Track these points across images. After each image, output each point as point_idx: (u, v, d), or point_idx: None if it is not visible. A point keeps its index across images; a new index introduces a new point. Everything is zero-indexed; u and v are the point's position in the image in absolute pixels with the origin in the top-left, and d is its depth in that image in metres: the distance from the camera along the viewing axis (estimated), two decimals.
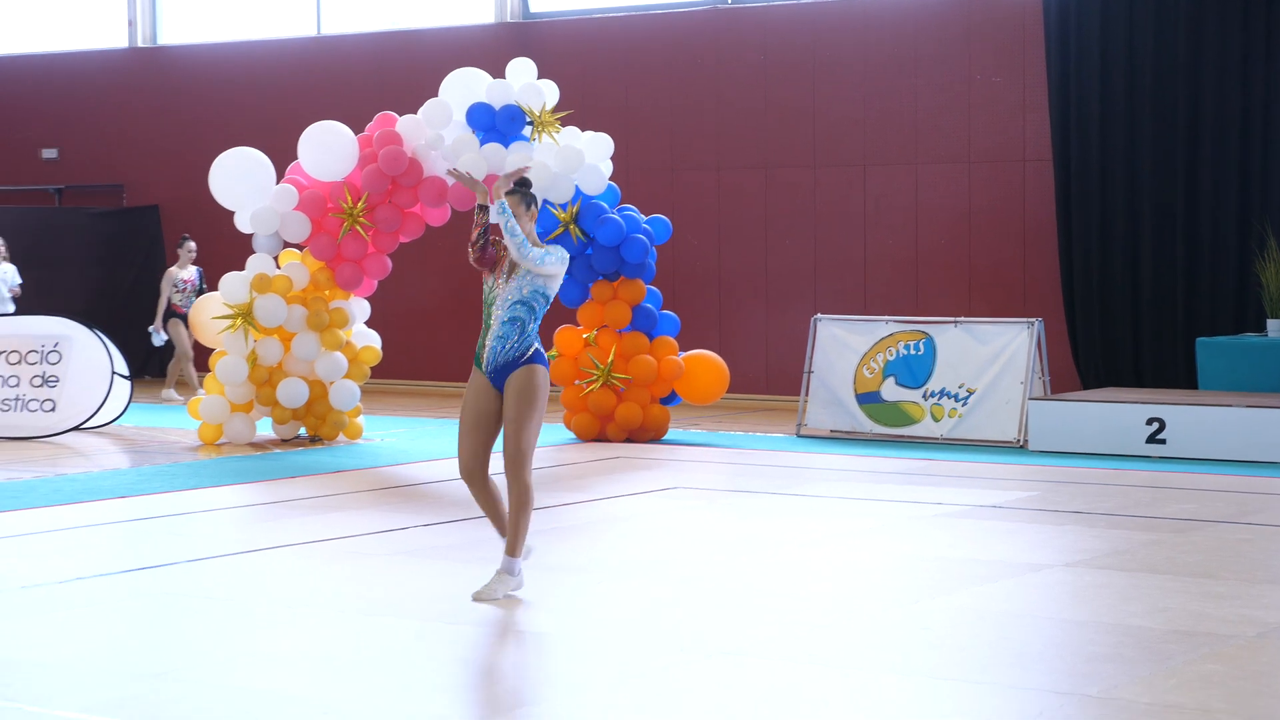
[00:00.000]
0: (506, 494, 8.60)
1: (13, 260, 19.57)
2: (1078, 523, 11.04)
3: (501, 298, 8.54)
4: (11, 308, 19.61)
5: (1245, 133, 16.58)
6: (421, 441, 15.60)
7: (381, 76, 20.75)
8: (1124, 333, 17.15)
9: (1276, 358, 15.19)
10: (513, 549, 8.54)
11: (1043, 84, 17.62)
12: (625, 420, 15.51)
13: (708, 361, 15.96)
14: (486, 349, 8.54)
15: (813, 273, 18.96)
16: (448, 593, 8.82)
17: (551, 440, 15.46)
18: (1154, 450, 14.21)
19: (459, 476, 8.70)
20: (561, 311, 16.70)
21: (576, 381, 15.60)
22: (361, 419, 15.78)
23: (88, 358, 16.18)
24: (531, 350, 8.53)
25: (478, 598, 8.45)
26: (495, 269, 8.60)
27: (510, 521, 8.57)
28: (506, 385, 8.53)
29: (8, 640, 7.78)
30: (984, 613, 8.30)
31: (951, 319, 15.86)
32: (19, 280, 19.69)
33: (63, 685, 6.95)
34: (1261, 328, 15.96)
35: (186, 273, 19.10)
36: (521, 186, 8.70)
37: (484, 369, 8.57)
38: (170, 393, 19.28)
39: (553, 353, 15.82)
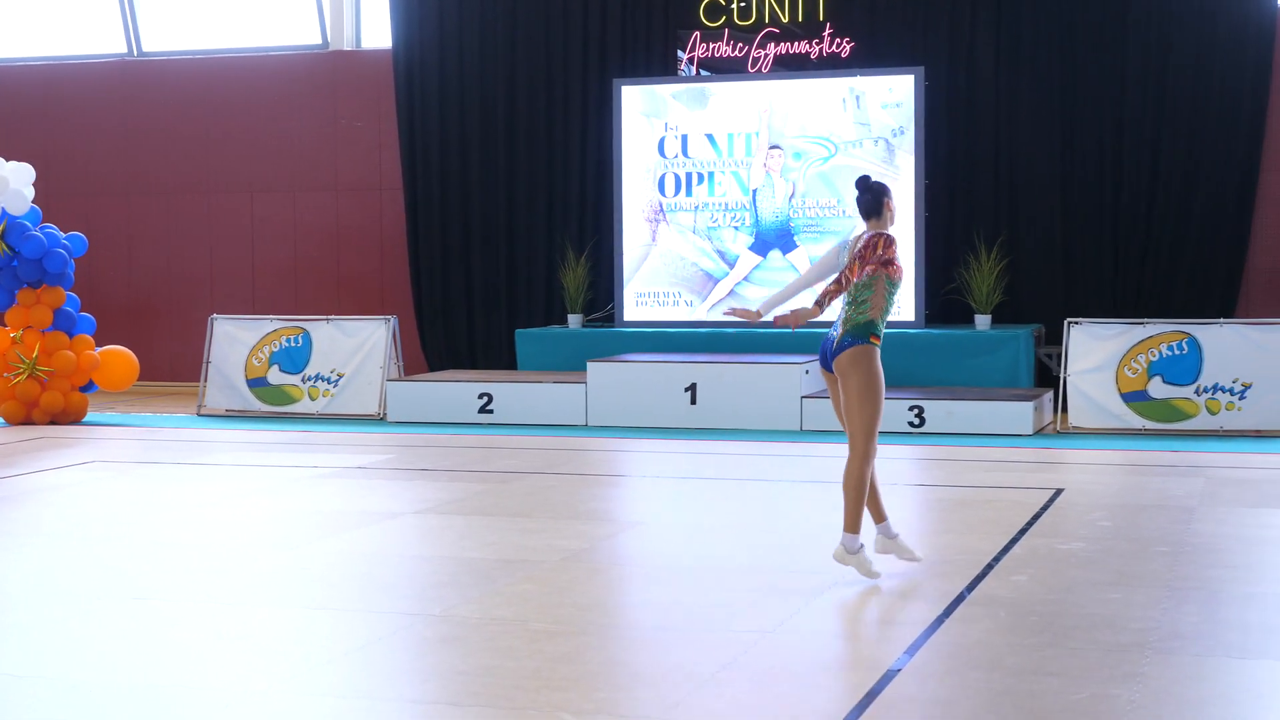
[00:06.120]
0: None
1: None
2: (425, 478, 11.17)
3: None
4: None
5: (550, 163, 17.06)
6: None
7: None
8: (460, 326, 17.42)
9: (574, 344, 15.72)
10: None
11: (394, 126, 17.71)
12: (49, 406, 14.76)
13: (120, 355, 15.42)
14: None
15: (210, 280, 18.52)
16: None
17: None
18: (484, 419, 14.50)
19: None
20: None
21: (5, 374, 14.77)
22: None
23: None
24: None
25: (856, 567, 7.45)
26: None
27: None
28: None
29: None
30: (351, 554, 8.29)
31: (324, 317, 15.78)
32: None
33: None
34: (564, 321, 16.48)
35: None
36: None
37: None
38: None
39: None
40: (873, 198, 7.44)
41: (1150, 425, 13.37)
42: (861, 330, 7.25)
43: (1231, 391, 13.27)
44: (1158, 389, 13.42)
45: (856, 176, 7.78)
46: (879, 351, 7.31)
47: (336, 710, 5.50)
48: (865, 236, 7.37)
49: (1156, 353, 13.45)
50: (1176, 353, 13.42)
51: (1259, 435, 13.12)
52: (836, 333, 7.34)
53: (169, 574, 7.78)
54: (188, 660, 6.14)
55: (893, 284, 7.29)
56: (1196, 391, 13.34)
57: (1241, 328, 13.46)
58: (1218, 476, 10.86)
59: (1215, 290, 15.28)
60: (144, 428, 14.71)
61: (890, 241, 7.30)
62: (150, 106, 18.73)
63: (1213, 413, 13.28)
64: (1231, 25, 15.18)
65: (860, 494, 7.33)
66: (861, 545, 7.39)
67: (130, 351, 15.65)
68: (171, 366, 18.42)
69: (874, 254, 7.23)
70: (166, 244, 18.72)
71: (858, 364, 7.24)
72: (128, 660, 6.18)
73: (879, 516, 7.60)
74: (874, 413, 7.28)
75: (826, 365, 7.42)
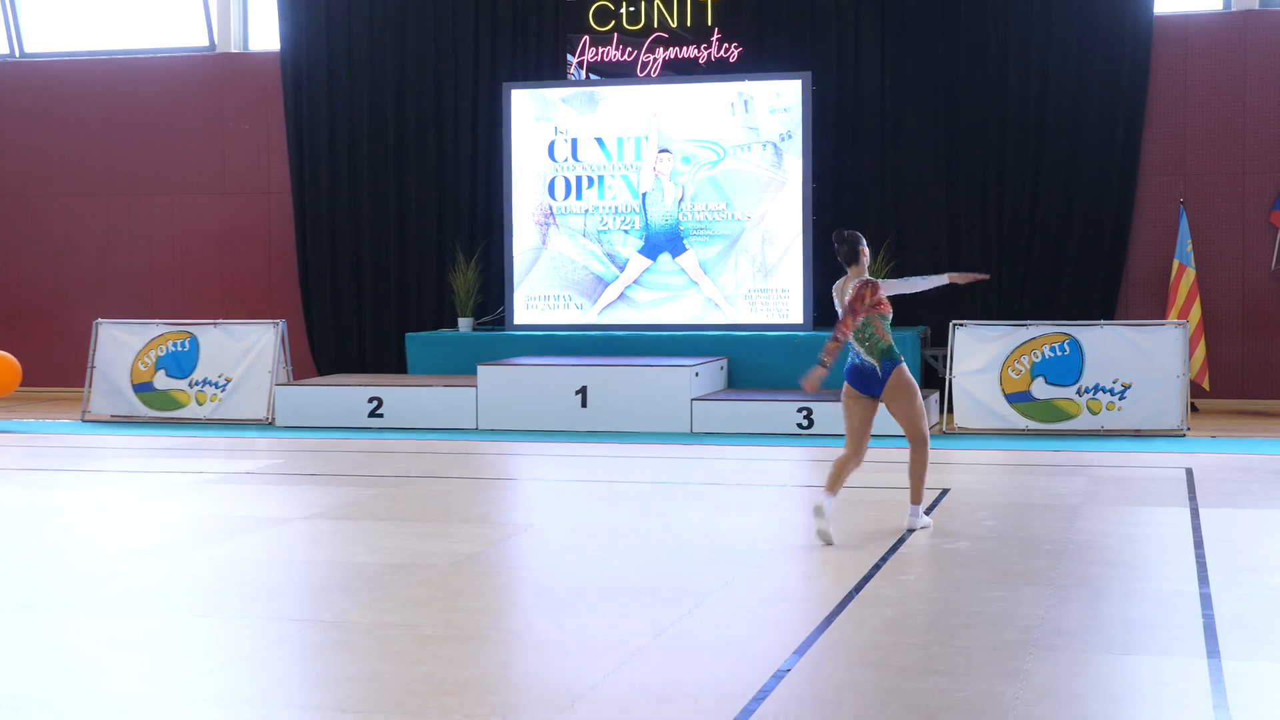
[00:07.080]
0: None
1: None
2: (315, 483, 11.02)
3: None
4: None
5: (439, 167, 16.95)
6: None
7: None
8: (350, 330, 17.25)
9: (465, 347, 15.63)
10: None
11: (282, 129, 17.50)
12: None
13: (2, 360, 15.07)
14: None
15: (94, 283, 18.18)
16: None
17: None
18: (375, 422, 14.36)
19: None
20: None
21: None
22: None
23: None
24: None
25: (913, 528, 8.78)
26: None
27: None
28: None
29: None
30: (239, 559, 8.14)
31: (212, 321, 15.55)
32: None
33: None
34: (455, 324, 16.38)
35: None
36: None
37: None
38: None
39: None
40: (849, 248, 8.61)
41: (1034, 425, 13.51)
42: (889, 354, 8.57)
43: (1112, 392, 13.44)
44: (1041, 389, 13.57)
45: (831, 231, 8.98)
46: (905, 363, 8.64)
47: (224, 717, 5.39)
48: (853, 286, 8.53)
49: (1039, 354, 13.60)
50: (1059, 354, 13.57)
51: (1138, 435, 13.30)
52: (870, 364, 8.58)
53: (54, 582, 7.60)
54: (75, 669, 5.99)
55: (884, 318, 8.58)
56: (1078, 392, 13.50)
57: (1121, 329, 13.64)
58: (1099, 475, 10.98)
59: (1096, 293, 15.49)
60: (27, 434, 14.40)
61: (875, 288, 8.49)
62: (33, 108, 18.37)
63: (1094, 413, 13.44)
64: (1109, 41, 15.41)
65: (926, 473, 8.74)
66: (928, 521, 8.81)
67: (12, 356, 15.35)
68: (55, 371, 18.06)
69: (864, 304, 8.46)
70: (49, 247, 18.36)
71: (901, 381, 8.58)
72: (13, 669, 6.01)
73: (833, 489, 8.54)
74: (923, 409, 8.73)
75: (869, 391, 8.62)
